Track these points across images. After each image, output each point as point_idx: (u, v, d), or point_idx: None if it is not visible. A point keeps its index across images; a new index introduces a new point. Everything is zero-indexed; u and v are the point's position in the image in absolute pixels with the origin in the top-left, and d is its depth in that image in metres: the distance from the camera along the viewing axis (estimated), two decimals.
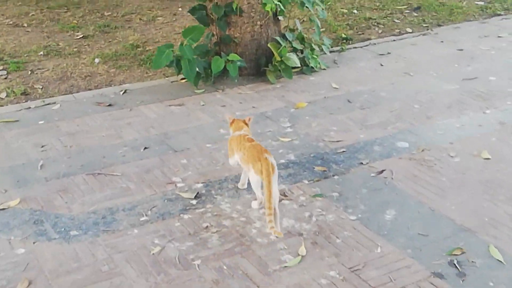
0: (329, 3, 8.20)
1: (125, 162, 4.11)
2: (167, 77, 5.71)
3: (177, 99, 5.16)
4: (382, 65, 5.85)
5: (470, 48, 6.24)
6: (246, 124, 3.64)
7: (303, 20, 7.03)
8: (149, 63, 6.01)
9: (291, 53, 5.49)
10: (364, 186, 3.74)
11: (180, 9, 8.40)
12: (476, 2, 8.10)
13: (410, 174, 3.87)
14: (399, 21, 7.50)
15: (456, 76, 5.49)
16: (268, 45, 5.43)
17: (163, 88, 5.43)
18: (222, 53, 5.39)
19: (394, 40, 6.60)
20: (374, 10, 8.01)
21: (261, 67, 5.57)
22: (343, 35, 6.91)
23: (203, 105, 5.04)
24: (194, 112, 4.90)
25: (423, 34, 6.77)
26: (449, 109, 4.81)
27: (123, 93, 5.29)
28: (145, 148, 4.30)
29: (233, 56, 5.23)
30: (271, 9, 5.22)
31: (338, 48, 6.39)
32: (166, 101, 5.13)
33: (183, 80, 5.46)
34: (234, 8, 5.28)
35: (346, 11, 8.00)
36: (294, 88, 5.36)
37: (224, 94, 5.27)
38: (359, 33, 7.13)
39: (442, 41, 6.48)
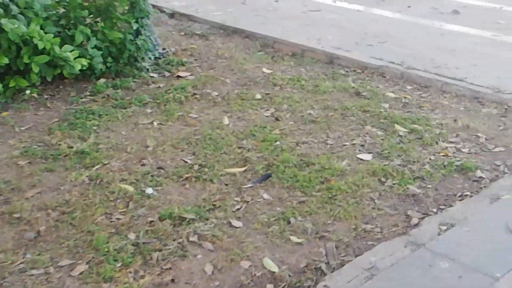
0: (97, 173, 4.13)
1: None
2: None
3: None
4: None
5: None
6: None
7: None
8: None
9: None
10: None
11: None
12: (360, 156, 4.60)
13: None
14: (240, 222, 3.66)
15: None
16: None
17: None
18: None
19: None
20: (185, 186, 4.08)
21: None
22: None
23: None
24: None
25: None
26: None
27: None
28: None
29: None
30: None
31: None
32: None
33: None
34: None
35: (133, 188, 3.97)
36: None
37: None
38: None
39: None
